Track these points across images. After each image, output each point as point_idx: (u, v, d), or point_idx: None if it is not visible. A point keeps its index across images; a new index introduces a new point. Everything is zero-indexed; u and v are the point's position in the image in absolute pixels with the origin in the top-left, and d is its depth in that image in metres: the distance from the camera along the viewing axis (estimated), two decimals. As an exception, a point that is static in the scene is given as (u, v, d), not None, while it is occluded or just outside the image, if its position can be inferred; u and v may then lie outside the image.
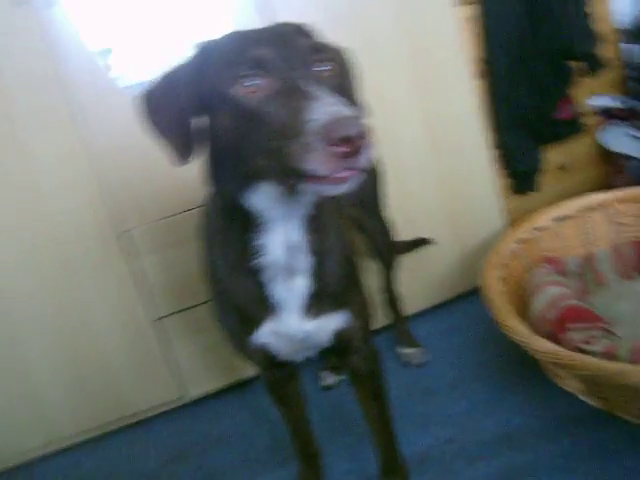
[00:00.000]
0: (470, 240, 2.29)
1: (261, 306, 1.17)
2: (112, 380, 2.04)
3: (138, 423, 2.12)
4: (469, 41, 2.29)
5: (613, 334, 1.54)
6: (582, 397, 1.55)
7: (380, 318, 2.11)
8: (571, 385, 1.56)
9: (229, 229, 1.12)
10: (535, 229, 2.04)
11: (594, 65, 2.38)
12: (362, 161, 0.80)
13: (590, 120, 2.57)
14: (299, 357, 1.32)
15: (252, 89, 0.89)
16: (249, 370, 2.05)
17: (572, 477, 1.40)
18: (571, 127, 2.51)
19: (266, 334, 1.20)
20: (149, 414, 2.13)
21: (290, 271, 1.12)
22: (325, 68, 0.97)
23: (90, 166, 1.87)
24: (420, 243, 2.16)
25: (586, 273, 1.96)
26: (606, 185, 2.56)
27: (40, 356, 1.96)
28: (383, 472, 1.48)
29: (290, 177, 0.86)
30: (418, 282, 2.25)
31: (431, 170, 2.19)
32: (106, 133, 1.86)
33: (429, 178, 2.19)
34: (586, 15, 2.34)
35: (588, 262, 1.99)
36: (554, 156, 2.56)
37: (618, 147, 2.46)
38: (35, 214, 1.86)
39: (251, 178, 0.98)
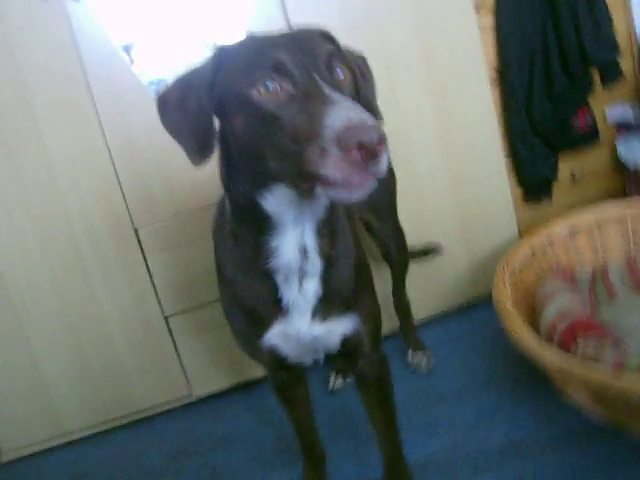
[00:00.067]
0: (481, 247, 2.29)
1: (271, 308, 1.17)
2: (119, 376, 2.05)
3: (144, 419, 2.13)
4: (486, 48, 2.29)
5: (623, 348, 1.53)
6: (589, 410, 1.53)
7: (389, 323, 2.11)
8: (579, 398, 1.55)
9: (242, 230, 1.12)
10: (547, 239, 2.03)
11: (613, 74, 2.37)
12: (378, 168, 0.80)
13: (606, 130, 2.56)
14: (307, 360, 1.33)
15: (271, 92, 0.90)
16: (256, 370, 2.05)
17: (577, 490, 1.40)
18: (587, 137, 2.50)
19: (275, 336, 1.20)
20: (155, 411, 2.14)
21: (301, 274, 1.12)
22: (345, 74, 0.97)
23: (108, 162, 1.88)
24: (430, 251, 2.16)
25: (597, 285, 1.95)
26: (620, 196, 2.55)
27: (48, 349, 1.98)
28: (387, 477, 1.48)
29: (305, 181, 0.86)
30: (428, 288, 2.24)
31: (444, 176, 2.19)
32: (125, 129, 1.88)
33: (442, 184, 2.19)
34: (608, 23, 2.33)
35: (599, 274, 1.98)
36: (568, 166, 2.56)
37: (634, 158, 2.44)
38: (51, 208, 1.88)
39: (266, 180, 0.99)
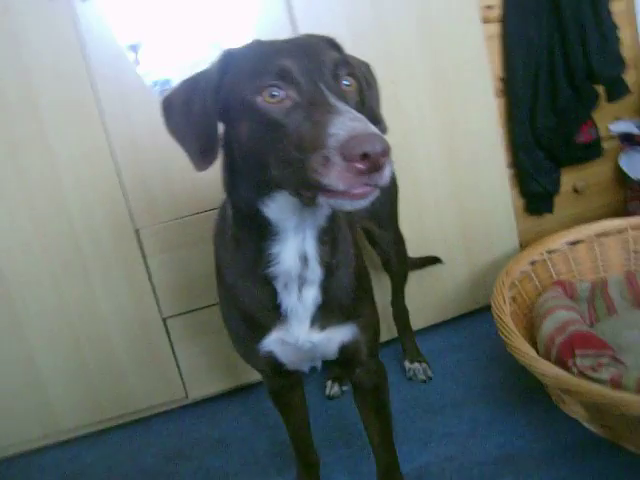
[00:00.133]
0: (482, 257, 2.29)
1: (270, 314, 1.17)
2: (116, 375, 2.04)
3: (139, 420, 2.13)
4: (492, 57, 2.29)
5: (620, 362, 1.53)
6: (586, 424, 1.53)
7: (387, 331, 2.11)
8: (575, 411, 1.55)
9: (243, 236, 1.12)
10: (548, 252, 2.03)
11: (619, 90, 2.37)
12: (380, 178, 0.81)
13: (609, 145, 2.56)
14: (304, 367, 1.33)
15: (276, 99, 0.90)
16: (252, 374, 2.04)
17: (571, 504, 1.39)
18: (591, 151, 2.50)
19: (273, 342, 1.20)
20: (151, 412, 2.14)
21: (301, 281, 1.12)
22: (350, 82, 0.97)
23: (111, 163, 1.88)
24: (430, 261, 2.16)
25: (596, 299, 1.95)
26: (621, 211, 2.56)
27: (46, 346, 1.97)
28: (381, 486, 1.48)
29: (308, 189, 0.86)
30: (427, 297, 2.24)
31: (446, 185, 2.19)
32: (130, 130, 1.88)
33: (444, 192, 2.19)
34: (615, 38, 2.34)
35: (599, 288, 1.98)
36: (570, 179, 2.56)
37: (636, 172, 2.44)
38: (53, 206, 1.88)
39: (268, 187, 0.99)
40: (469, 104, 2.16)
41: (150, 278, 1.97)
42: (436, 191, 2.18)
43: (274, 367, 1.26)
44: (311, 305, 1.16)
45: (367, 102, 1.06)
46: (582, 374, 1.48)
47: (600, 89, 2.40)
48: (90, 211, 1.90)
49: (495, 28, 2.33)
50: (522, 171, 2.45)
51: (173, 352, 2.06)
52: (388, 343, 2.17)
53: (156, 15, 1.86)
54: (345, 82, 0.96)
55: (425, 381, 2.00)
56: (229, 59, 1.00)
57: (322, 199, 0.86)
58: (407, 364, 2.06)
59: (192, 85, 1.03)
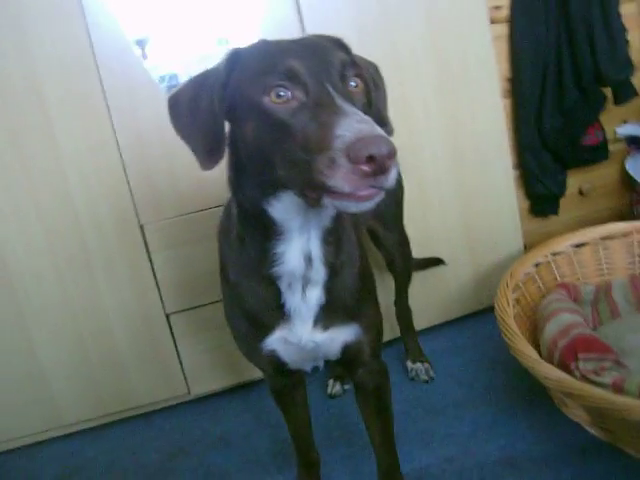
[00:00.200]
0: (486, 258, 2.28)
1: (273, 314, 1.17)
2: (118, 370, 2.05)
3: (141, 415, 2.13)
4: (499, 59, 2.29)
5: (623, 367, 1.52)
6: (588, 428, 1.53)
7: (390, 330, 2.11)
8: (577, 415, 1.55)
9: (248, 235, 1.12)
10: (552, 254, 2.03)
11: (627, 93, 2.36)
12: (386, 181, 0.81)
13: (616, 147, 2.55)
14: (307, 366, 1.33)
15: (282, 100, 0.89)
16: (254, 372, 2.03)
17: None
18: (597, 153, 2.49)
19: (276, 341, 1.20)
20: (153, 408, 2.14)
21: (305, 281, 1.12)
22: (357, 84, 0.97)
23: (117, 156, 1.88)
24: (434, 262, 2.16)
25: (600, 302, 1.94)
26: (627, 214, 2.55)
27: (48, 340, 1.98)
28: (381, 486, 1.48)
29: (313, 190, 0.86)
30: (431, 297, 2.24)
31: (452, 185, 2.18)
32: (136, 124, 1.87)
33: (449, 193, 2.19)
34: (623, 41, 2.33)
35: (603, 291, 1.97)
36: (576, 181, 2.55)
37: (643, 176, 2.44)
38: (58, 199, 1.88)
39: (274, 187, 0.99)
40: (476, 104, 2.16)
41: (154, 274, 1.98)
42: (441, 191, 2.17)
43: (276, 366, 1.26)
44: (315, 305, 1.16)
45: (374, 103, 1.06)
46: (585, 378, 1.48)
47: (607, 91, 2.39)
48: (95, 206, 1.90)
49: (503, 29, 2.32)
50: (528, 172, 2.44)
51: (176, 348, 2.06)
52: (391, 343, 2.17)
53: (163, 10, 1.86)
54: (352, 83, 0.96)
55: (427, 381, 2.00)
56: (236, 58, 1.00)
57: (327, 200, 0.86)
58: (409, 364, 2.06)
59: (199, 84, 1.02)
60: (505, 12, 2.31)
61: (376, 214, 1.72)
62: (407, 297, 2.02)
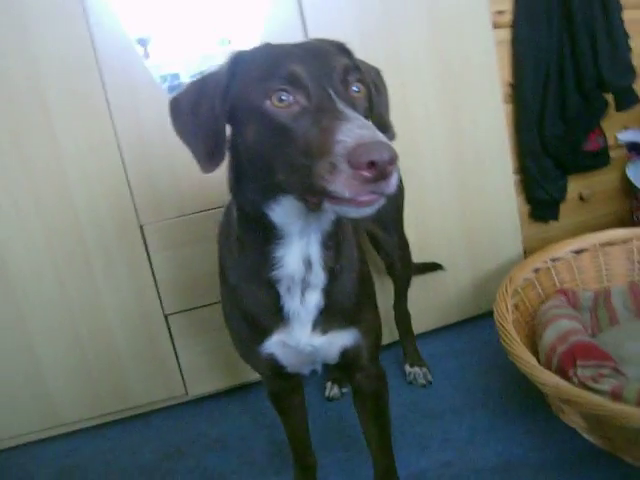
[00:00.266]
0: (485, 263, 2.28)
1: (272, 317, 1.17)
2: (116, 370, 2.05)
3: (138, 416, 2.13)
4: (501, 64, 2.29)
5: (622, 374, 1.52)
6: (585, 435, 1.53)
7: (388, 334, 2.11)
8: (575, 421, 1.55)
9: (247, 238, 1.12)
10: (552, 259, 2.03)
11: (629, 100, 2.35)
12: (387, 187, 0.80)
13: (617, 153, 2.55)
14: (305, 370, 1.33)
15: (284, 104, 0.89)
16: (252, 373, 2.01)
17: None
18: (598, 159, 2.49)
19: (274, 345, 1.20)
20: (151, 408, 2.14)
21: (304, 285, 1.12)
22: (359, 89, 0.97)
23: (118, 157, 1.88)
24: (432, 267, 2.16)
25: (599, 309, 1.94)
26: (627, 220, 2.55)
27: (47, 339, 1.98)
28: (378, 490, 1.47)
29: (314, 195, 0.86)
30: (430, 301, 2.24)
31: (452, 189, 2.18)
32: (137, 125, 1.87)
33: (449, 197, 2.19)
34: (626, 48, 2.32)
35: (602, 298, 1.98)
36: (576, 186, 2.55)
37: (643, 183, 2.44)
38: (58, 198, 1.87)
39: (274, 191, 0.99)
40: (477, 109, 2.16)
41: (153, 274, 1.98)
42: (441, 195, 2.17)
43: (274, 369, 1.26)
44: (313, 309, 1.16)
45: (376, 108, 1.06)
46: (583, 384, 1.48)
47: (609, 98, 2.39)
48: (95, 205, 1.90)
49: (506, 33, 2.32)
50: (528, 177, 2.44)
51: (174, 349, 2.06)
52: (389, 346, 2.17)
53: (166, 9, 1.86)
54: (354, 88, 0.96)
55: (425, 385, 2.00)
56: (238, 61, 1.00)
57: (328, 205, 0.86)
58: (407, 368, 2.05)
59: (201, 86, 1.02)
60: (508, 17, 2.31)
61: (376, 218, 1.71)
62: (406, 301, 2.02)
